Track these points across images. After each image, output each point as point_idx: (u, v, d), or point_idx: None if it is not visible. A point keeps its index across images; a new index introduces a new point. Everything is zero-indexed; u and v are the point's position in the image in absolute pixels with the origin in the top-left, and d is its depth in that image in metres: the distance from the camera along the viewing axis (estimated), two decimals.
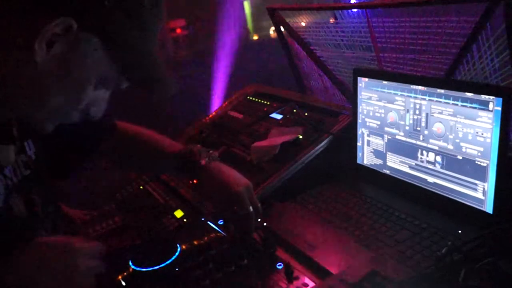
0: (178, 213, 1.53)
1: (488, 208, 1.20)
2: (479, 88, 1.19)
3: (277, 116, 1.99)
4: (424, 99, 1.32)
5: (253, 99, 2.27)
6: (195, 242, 1.27)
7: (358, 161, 1.63)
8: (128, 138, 1.40)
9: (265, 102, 2.16)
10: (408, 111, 1.39)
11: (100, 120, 0.98)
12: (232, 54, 5.78)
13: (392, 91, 1.43)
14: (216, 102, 4.34)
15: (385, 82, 1.45)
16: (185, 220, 1.48)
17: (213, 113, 2.31)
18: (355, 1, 2.17)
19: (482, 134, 1.17)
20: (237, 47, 6.09)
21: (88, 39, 0.77)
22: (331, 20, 1.94)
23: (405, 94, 1.38)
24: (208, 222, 1.38)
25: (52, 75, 0.78)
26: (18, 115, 0.86)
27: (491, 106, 1.14)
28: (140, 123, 1.44)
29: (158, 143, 1.39)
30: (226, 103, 2.36)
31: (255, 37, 9.06)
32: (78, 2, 0.73)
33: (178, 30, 8.07)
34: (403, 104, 1.40)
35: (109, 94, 0.91)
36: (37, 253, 0.86)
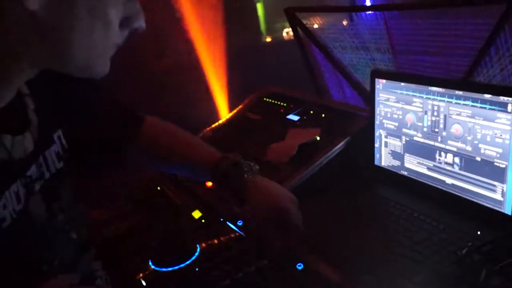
0: (196, 214, 1.55)
1: (507, 209, 1.20)
2: (497, 89, 1.19)
3: (294, 117, 2.01)
4: (443, 100, 1.33)
5: (270, 100, 2.28)
6: (215, 242, 1.29)
7: (376, 163, 1.64)
8: (159, 136, 1.28)
9: (282, 103, 2.17)
10: (426, 112, 1.39)
11: (128, 112, 0.95)
12: (245, 56, 5.80)
13: (410, 93, 1.43)
14: (231, 104, 4.37)
15: (402, 84, 1.46)
16: (203, 220, 1.50)
17: (230, 115, 2.33)
18: (370, 3, 2.17)
19: (501, 135, 1.17)
20: (251, 49, 6.11)
21: None
22: (344, 22, 1.95)
23: (423, 95, 1.39)
24: (227, 223, 1.40)
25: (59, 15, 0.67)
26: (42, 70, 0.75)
27: (510, 107, 1.14)
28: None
29: (193, 148, 1.27)
30: (242, 104, 2.38)
31: (268, 39, 9.06)
32: None
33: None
34: (421, 105, 1.40)
35: (114, 49, 0.79)
36: None
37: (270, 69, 5.44)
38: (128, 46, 0.86)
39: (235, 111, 2.35)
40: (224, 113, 2.41)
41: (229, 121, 2.25)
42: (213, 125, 2.24)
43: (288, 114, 2.03)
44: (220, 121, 2.27)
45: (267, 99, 2.30)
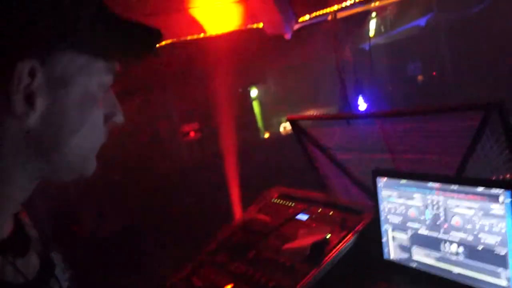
0: None
1: None
2: (488, 182, 1.32)
3: (303, 216, 2.12)
4: (440, 195, 1.46)
5: (278, 201, 2.41)
6: None
7: (385, 257, 1.72)
8: None
9: (290, 204, 2.30)
10: (426, 206, 1.51)
11: None
12: (248, 154, 6.03)
13: (410, 189, 1.57)
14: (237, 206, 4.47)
15: (402, 181, 1.60)
16: None
17: (241, 216, 2.44)
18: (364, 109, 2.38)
19: (498, 224, 1.29)
20: (251, 146, 6.40)
21: (63, 59, 0.68)
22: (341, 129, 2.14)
23: (422, 191, 1.52)
24: None
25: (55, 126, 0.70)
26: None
27: (501, 199, 1.27)
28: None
29: None
30: (253, 206, 2.49)
31: (266, 135, 9.39)
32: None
33: (192, 134, 8.40)
34: (422, 200, 1.53)
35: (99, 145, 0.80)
36: None
37: (274, 165, 5.65)
38: None
39: (246, 213, 2.46)
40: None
41: (241, 223, 2.35)
42: (226, 228, 2.33)
43: (297, 214, 2.15)
44: (233, 224, 2.37)
45: (276, 200, 2.42)
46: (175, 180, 6.28)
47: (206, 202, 5.22)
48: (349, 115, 2.39)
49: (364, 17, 6.00)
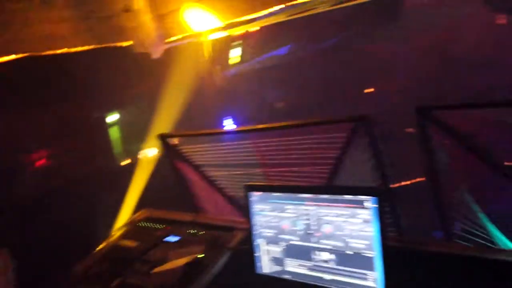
0: None
1: None
2: (355, 190, 1.39)
3: (173, 238, 2.01)
4: (311, 205, 1.49)
5: (145, 224, 2.26)
6: None
7: (258, 271, 1.69)
8: None
9: (158, 226, 2.17)
10: (298, 217, 1.53)
11: None
12: (108, 180, 5.72)
13: (282, 202, 1.58)
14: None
15: (275, 194, 1.60)
16: None
17: (103, 244, 2.23)
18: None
19: (365, 229, 1.35)
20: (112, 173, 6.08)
21: None
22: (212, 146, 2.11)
23: (294, 202, 1.54)
24: None
25: None
26: None
27: (367, 204, 1.34)
28: None
29: None
30: (116, 233, 2.31)
31: (126, 161, 8.88)
32: None
33: (40, 162, 7.65)
34: (294, 212, 1.55)
35: None
36: None
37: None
38: None
39: (107, 240, 2.26)
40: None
41: (102, 252, 2.14)
42: (84, 259, 2.10)
43: (166, 236, 2.03)
44: (93, 254, 2.15)
45: (143, 224, 2.27)
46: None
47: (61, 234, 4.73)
48: (221, 131, 2.37)
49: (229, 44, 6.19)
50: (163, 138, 2.07)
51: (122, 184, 5.66)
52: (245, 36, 6.25)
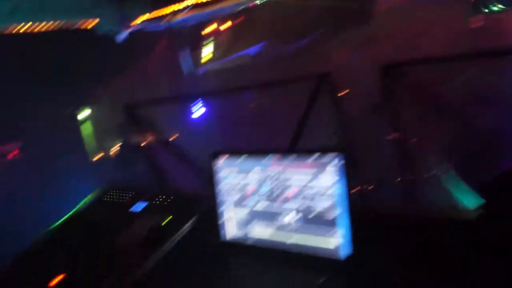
0: None
1: (342, 255, 1.36)
2: (320, 150, 1.40)
3: (140, 205, 2.01)
4: (277, 167, 1.50)
5: (111, 197, 2.24)
6: None
7: (222, 238, 1.68)
8: None
9: (125, 196, 2.17)
10: (264, 180, 1.54)
11: None
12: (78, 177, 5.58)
13: (248, 165, 1.58)
14: None
15: (241, 158, 1.60)
16: None
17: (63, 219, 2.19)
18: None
19: (331, 188, 1.37)
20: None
21: None
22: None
23: (260, 165, 1.55)
24: None
25: None
26: None
27: (333, 163, 1.36)
28: None
29: None
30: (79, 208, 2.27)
31: (97, 157, 8.68)
32: None
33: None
34: (260, 175, 1.55)
35: None
36: None
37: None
38: None
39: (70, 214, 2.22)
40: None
41: (66, 226, 2.10)
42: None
43: (133, 205, 2.02)
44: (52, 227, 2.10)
45: (107, 198, 2.24)
46: None
47: None
48: (185, 95, 2.37)
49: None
50: (129, 108, 2.05)
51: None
52: (217, 33, 6.26)
